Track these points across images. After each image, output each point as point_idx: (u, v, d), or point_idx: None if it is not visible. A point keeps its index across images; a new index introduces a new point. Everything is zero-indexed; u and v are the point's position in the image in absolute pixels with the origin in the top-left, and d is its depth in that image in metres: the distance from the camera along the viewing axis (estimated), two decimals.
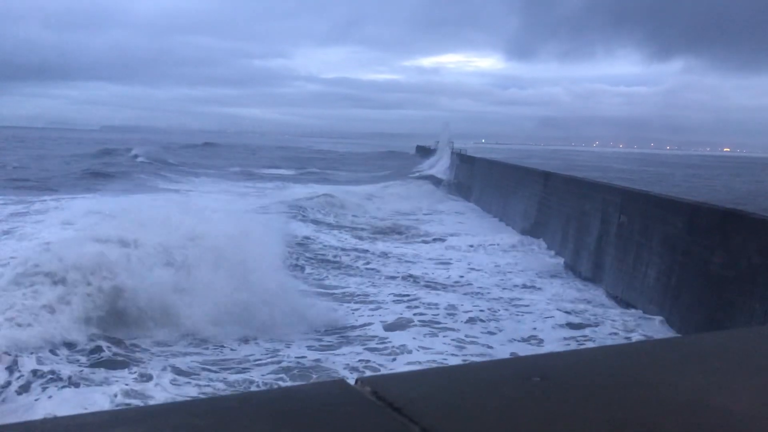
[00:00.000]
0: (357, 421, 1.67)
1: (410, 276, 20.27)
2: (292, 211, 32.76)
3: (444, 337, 14.48)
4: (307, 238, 25.93)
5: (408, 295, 17.61)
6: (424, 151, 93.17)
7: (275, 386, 11.05)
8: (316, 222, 30.76)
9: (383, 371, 12.08)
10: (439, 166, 66.37)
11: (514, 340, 14.72)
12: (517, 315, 16.55)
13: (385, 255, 23.75)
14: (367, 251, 24.20)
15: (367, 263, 22.15)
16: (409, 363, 12.65)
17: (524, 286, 19.91)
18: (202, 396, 10.40)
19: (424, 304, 16.76)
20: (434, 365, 11.79)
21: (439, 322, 15.37)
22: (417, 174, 66.42)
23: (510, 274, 21.55)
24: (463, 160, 55.92)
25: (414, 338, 14.16)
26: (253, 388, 11.10)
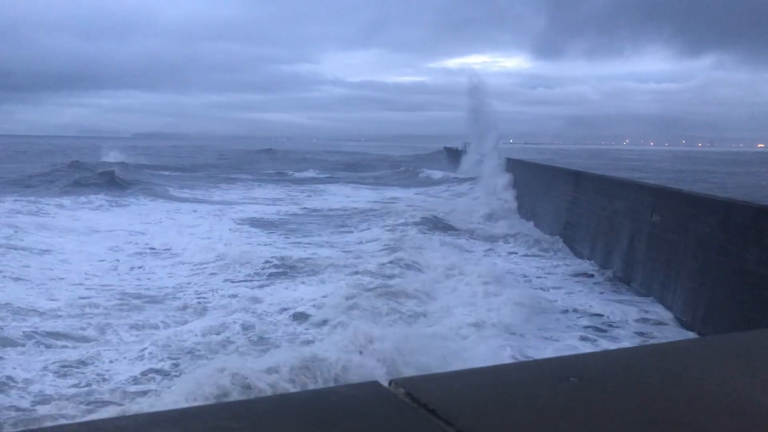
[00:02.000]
0: (392, 423, 1.65)
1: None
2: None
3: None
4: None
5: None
6: (452, 153, 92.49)
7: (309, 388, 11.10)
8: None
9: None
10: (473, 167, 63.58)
11: (547, 338, 14.64)
12: (549, 314, 16.46)
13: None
14: None
15: None
16: None
17: (555, 287, 19.75)
18: (237, 399, 10.46)
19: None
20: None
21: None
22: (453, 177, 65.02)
23: (540, 276, 21.41)
24: None
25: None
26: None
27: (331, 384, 10.76)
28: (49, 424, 8.58)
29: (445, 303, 16.75)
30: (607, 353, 2.46)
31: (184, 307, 16.40)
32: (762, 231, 13.74)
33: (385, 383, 1.88)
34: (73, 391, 11.17)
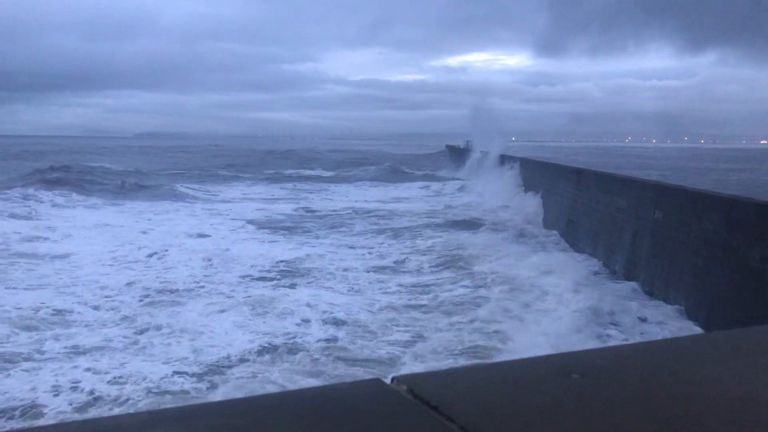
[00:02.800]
0: (395, 420, 1.65)
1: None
2: None
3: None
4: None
5: None
6: (454, 151, 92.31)
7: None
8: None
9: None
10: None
11: (551, 333, 14.62)
12: (554, 310, 16.46)
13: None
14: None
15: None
16: None
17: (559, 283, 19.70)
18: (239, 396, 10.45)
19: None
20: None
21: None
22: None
23: (544, 273, 21.35)
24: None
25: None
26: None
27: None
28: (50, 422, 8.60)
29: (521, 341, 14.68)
30: (609, 349, 2.45)
31: (220, 310, 16.28)
32: (765, 228, 13.71)
33: (388, 380, 1.87)
34: (115, 391, 11.24)
